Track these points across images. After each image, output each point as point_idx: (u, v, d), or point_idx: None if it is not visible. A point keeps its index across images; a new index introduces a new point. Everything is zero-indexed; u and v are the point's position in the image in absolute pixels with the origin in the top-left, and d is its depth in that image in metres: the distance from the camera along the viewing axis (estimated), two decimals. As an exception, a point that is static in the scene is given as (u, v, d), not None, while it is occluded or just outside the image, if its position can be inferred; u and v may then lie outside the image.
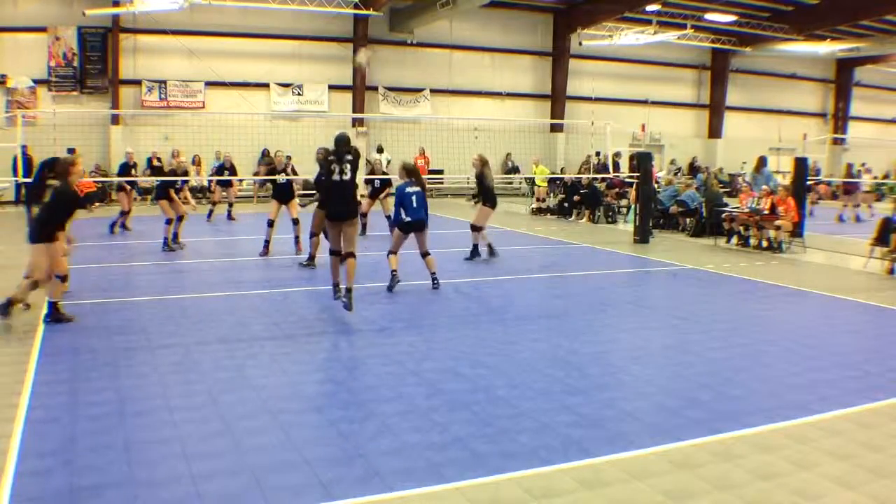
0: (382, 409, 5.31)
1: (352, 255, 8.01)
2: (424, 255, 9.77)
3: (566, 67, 27.56)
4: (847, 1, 23.83)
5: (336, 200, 8.07)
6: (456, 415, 5.20)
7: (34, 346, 6.67)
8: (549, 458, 4.50)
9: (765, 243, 13.84)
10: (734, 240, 14.57)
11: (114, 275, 10.50)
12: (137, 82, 22.20)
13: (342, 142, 8.16)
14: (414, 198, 9.56)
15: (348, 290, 7.85)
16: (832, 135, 32.49)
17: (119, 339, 7.07)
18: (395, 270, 9.48)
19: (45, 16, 21.19)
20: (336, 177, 7.96)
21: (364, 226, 14.52)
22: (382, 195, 14.95)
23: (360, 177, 13.09)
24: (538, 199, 20.91)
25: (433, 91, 26.06)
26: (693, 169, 28.19)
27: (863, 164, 25.88)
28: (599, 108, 26.74)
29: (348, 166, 7.97)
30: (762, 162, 16.82)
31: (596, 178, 19.22)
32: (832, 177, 27.71)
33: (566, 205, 19.52)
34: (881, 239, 12.10)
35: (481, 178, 12.17)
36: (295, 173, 13.26)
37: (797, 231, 14.12)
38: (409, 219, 9.58)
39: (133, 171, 15.58)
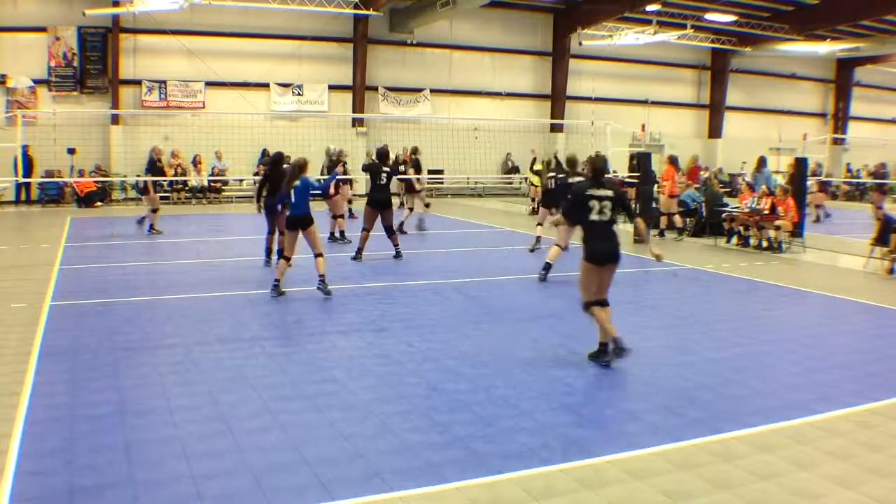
0: (382, 409, 5.31)
1: (607, 302, 6.56)
2: (317, 255, 9.20)
3: (566, 67, 27.56)
4: (847, 1, 23.81)
5: (600, 241, 6.48)
6: (456, 415, 5.20)
7: (34, 346, 6.67)
8: (549, 458, 4.50)
9: (765, 243, 13.84)
10: (734, 240, 14.57)
11: (114, 275, 10.50)
12: (137, 82, 22.19)
13: (603, 166, 6.88)
14: (293, 191, 9.05)
15: (602, 346, 6.53)
16: (832, 135, 32.50)
17: (119, 339, 7.07)
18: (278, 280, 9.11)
19: (45, 16, 21.17)
20: (595, 216, 6.46)
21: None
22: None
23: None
24: (533, 200, 20.86)
25: (433, 91, 26.05)
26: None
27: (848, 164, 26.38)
28: (599, 108, 26.73)
29: (609, 204, 6.48)
30: (762, 162, 16.83)
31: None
32: (830, 177, 27.80)
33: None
34: (881, 239, 12.11)
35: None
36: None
37: (797, 231, 14.13)
38: (288, 213, 9.14)
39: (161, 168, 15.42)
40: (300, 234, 9.16)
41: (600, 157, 7.61)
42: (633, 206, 13.47)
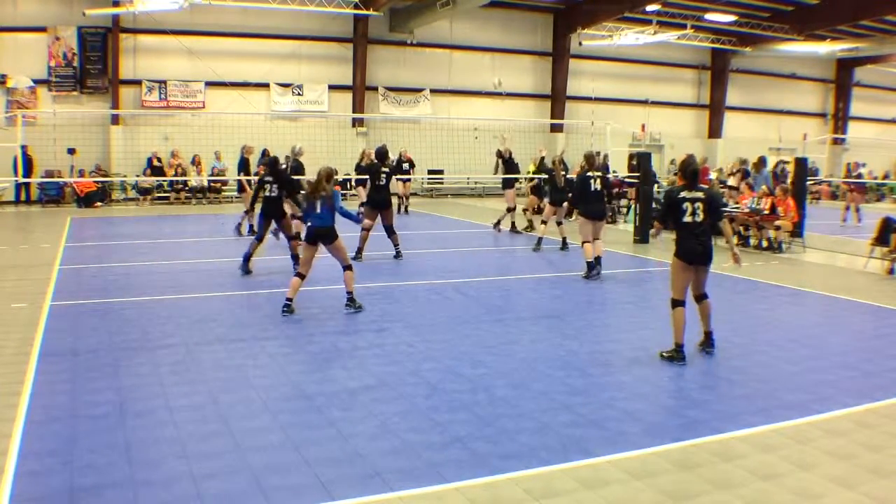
0: (382, 409, 5.31)
1: (705, 295, 6.85)
2: (346, 268, 8.34)
3: (566, 67, 27.56)
4: (847, 1, 23.83)
5: (692, 241, 6.63)
6: (456, 415, 5.20)
7: (34, 346, 6.67)
8: (549, 458, 4.50)
9: (765, 243, 13.84)
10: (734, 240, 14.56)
11: (114, 275, 10.50)
12: (137, 82, 22.20)
13: (696, 168, 6.87)
14: (318, 203, 8.11)
15: (707, 335, 6.92)
16: (832, 135, 32.51)
17: (119, 339, 7.07)
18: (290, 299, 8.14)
19: (45, 16, 21.17)
20: (688, 218, 6.63)
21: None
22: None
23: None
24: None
25: (433, 91, 26.05)
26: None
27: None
28: (599, 108, 26.74)
29: (701, 206, 6.61)
30: (762, 162, 16.83)
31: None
32: (832, 177, 27.80)
33: (565, 204, 19.39)
34: (881, 239, 12.11)
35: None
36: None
37: (797, 231, 14.14)
38: (310, 224, 8.19)
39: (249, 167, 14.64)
40: (320, 248, 8.23)
41: (691, 158, 7.56)
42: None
